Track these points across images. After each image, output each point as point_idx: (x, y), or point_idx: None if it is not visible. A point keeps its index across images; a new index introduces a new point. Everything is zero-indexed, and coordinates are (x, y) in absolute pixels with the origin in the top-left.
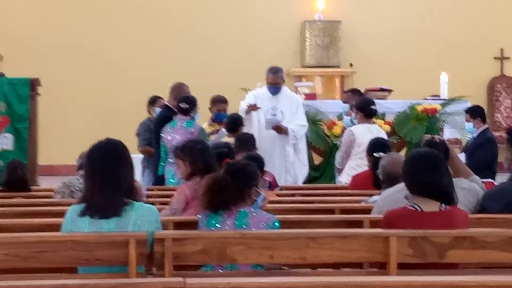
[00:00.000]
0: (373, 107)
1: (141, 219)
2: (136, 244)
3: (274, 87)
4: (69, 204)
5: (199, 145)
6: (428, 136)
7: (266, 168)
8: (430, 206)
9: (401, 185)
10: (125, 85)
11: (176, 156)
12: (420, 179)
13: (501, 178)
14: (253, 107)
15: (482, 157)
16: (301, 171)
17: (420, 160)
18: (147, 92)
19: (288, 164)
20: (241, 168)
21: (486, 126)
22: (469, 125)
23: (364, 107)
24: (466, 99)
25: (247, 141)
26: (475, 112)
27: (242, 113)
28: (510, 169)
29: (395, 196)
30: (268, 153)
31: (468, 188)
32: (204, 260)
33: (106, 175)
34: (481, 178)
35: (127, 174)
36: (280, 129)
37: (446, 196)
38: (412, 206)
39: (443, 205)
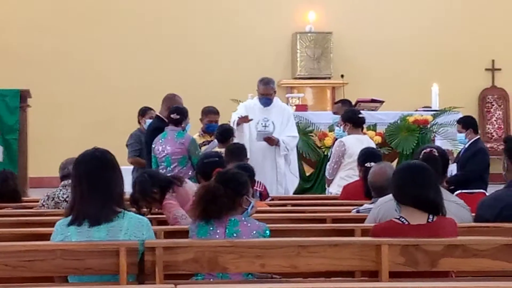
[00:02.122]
0: (360, 115)
1: (132, 228)
2: (127, 253)
3: (266, 98)
4: (59, 214)
5: (140, 177)
6: (426, 149)
7: (257, 179)
8: (418, 218)
9: None
10: (116, 96)
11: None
12: (407, 191)
13: (492, 189)
14: (244, 119)
15: (474, 168)
16: (292, 182)
17: (407, 173)
18: (138, 103)
19: (279, 175)
20: (232, 177)
21: (477, 136)
22: (461, 136)
23: (351, 117)
24: (457, 110)
25: (238, 152)
26: (467, 123)
27: (233, 125)
28: (507, 177)
29: (392, 203)
30: (259, 164)
31: (461, 203)
32: (195, 268)
33: (93, 183)
34: (473, 189)
35: (116, 182)
36: (271, 141)
37: (434, 207)
38: (399, 219)
39: (431, 216)
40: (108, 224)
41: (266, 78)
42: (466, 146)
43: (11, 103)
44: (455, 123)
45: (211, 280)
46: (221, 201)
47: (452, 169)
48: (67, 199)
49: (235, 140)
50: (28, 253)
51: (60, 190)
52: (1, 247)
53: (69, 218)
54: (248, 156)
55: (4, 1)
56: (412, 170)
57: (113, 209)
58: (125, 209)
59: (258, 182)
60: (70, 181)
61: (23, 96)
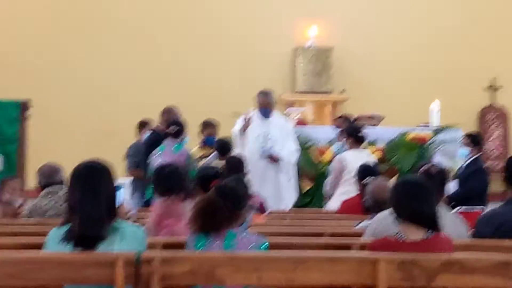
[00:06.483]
0: (362, 133)
1: (127, 239)
2: (124, 264)
3: (265, 109)
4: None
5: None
6: (426, 166)
7: (257, 193)
8: (415, 233)
9: None
10: (117, 108)
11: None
12: (404, 206)
13: (492, 207)
14: (247, 123)
15: (474, 185)
16: (291, 197)
17: (404, 187)
18: (139, 115)
19: (279, 190)
20: (232, 190)
21: (479, 154)
22: (465, 150)
23: (353, 132)
24: (457, 127)
25: (238, 165)
26: (477, 140)
27: (238, 132)
28: (505, 195)
29: (390, 218)
30: (259, 178)
31: (458, 220)
32: (192, 281)
33: (88, 194)
34: (473, 206)
35: (111, 192)
36: (273, 159)
37: (430, 222)
38: (396, 235)
39: (428, 231)
40: (103, 240)
41: (265, 89)
42: (466, 163)
43: (11, 113)
44: (464, 136)
45: None
46: (220, 214)
47: (451, 186)
48: (54, 205)
49: (240, 147)
50: (25, 262)
51: (43, 198)
52: None
53: (64, 229)
54: (248, 169)
55: (5, 12)
56: (409, 185)
57: (106, 222)
58: (120, 220)
59: (256, 195)
60: (54, 188)
61: (22, 107)
